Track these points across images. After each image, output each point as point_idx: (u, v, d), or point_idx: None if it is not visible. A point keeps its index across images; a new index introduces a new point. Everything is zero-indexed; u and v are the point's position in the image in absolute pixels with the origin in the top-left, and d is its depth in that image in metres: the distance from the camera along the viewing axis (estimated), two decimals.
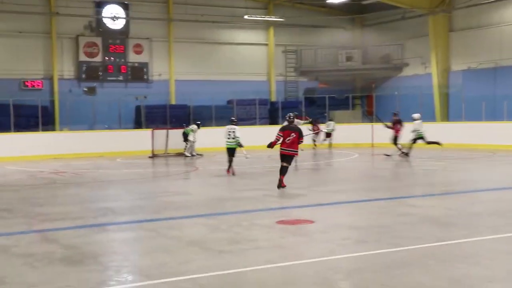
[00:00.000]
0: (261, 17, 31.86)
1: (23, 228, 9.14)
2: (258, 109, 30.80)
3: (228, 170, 16.54)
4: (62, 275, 6.37)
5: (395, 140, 21.97)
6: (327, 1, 31.23)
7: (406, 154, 21.19)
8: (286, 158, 12.96)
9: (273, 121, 30.77)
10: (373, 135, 26.70)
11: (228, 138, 16.43)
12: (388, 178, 16.37)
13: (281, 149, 13.00)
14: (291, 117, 13.38)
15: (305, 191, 13.02)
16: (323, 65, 34.23)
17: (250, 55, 33.28)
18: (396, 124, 22.21)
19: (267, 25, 33.26)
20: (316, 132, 25.71)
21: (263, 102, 31.82)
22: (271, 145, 13.06)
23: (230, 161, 16.46)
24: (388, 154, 21.73)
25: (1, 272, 6.50)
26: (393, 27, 32.72)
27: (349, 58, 33.91)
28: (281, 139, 12.86)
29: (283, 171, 12.83)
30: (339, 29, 34.84)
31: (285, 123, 13.58)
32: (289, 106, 32.00)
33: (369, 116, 31.24)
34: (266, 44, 33.65)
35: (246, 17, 30.80)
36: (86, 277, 6.28)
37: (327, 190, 13.26)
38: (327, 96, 31.30)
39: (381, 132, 22.96)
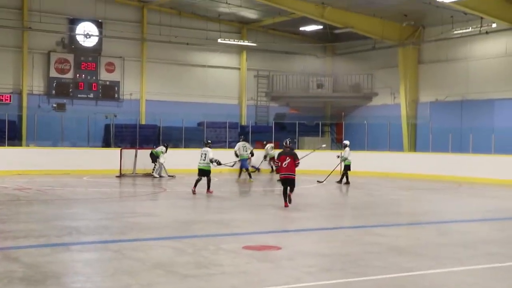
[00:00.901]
0: (234, 41, 32.03)
1: None
2: (228, 132, 30.78)
3: (194, 190, 17.00)
4: None
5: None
6: (299, 29, 31.62)
7: (340, 182, 22.13)
8: (287, 182, 13.95)
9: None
10: (341, 162, 26.89)
11: (201, 160, 17.05)
12: (355, 206, 16.45)
13: (280, 174, 14.18)
14: (288, 143, 14.60)
15: (273, 217, 13.00)
16: (294, 91, 34.50)
17: (222, 78, 33.38)
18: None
19: (240, 49, 33.46)
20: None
21: (233, 126, 31.83)
22: (277, 171, 14.23)
23: (198, 181, 17.10)
24: (321, 180, 22.14)
25: None
26: (364, 57, 33.23)
27: (319, 86, 34.27)
28: (279, 165, 14.03)
29: (285, 194, 13.97)
30: (311, 57, 35.22)
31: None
32: (260, 130, 32.12)
33: (338, 143, 31.48)
34: (239, 68, 33.81)
35: (219, 40, 30.93)
36: None
37: (294, 216, 13.26)
38: (297, 122, 31.49)
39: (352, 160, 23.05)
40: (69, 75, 29.24)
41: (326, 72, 35.08)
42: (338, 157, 22.22)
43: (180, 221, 12.00)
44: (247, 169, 23.54)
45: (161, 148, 24.16)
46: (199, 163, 17.12)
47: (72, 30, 29.23)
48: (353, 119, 32.66)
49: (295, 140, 30.94)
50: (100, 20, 29.71)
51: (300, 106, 35.10)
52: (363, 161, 26.31)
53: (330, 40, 34.08)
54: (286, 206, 13.97)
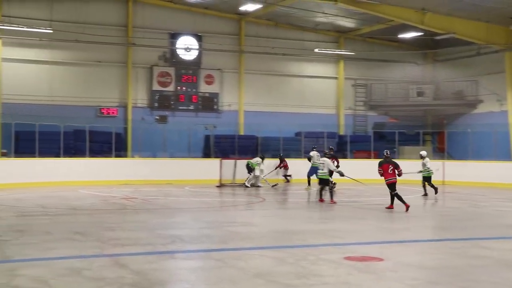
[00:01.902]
0: (332, 51, 31.93)
1: (95, 251, 9.37)
2: (326, 142, 30.61)
3: (320, 199, 17.69)
4: None
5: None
6: (398, 36, 31.00)
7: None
8: (393, 186, 15.61)
9: (341, 154, 30.48)
10: (444, 172, 26.03)
11: (321, 169, 17.85)
12: (459, 217, 15.81)
13: (386, 180, 15.65)
14: (388, 153, 16.25)
15: (372, 227, 12.78)
16: (393, 99, 33.85)
17: (319, 88, 33.32)
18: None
19: (337, 58, 33.29)
20: (281, 167, 26.81)
21: (331, 135, 31.62)
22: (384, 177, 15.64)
23: (321, 190, 17.86)
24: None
25: None
26: (467, 63, 32.04)
27: (420, 94, 33.42)
28: (383, 172, 15.61)
29: (397, 197, 15.54)
30: (410, 64, 34.45)
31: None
32: (358, 140, 31.73)
33: (440, 153, 30.53)
34: (336, 78, 33.61)
35: (316, 50, 30.95)
36: None
37: (395, 227, 12.96)
38: (396, 131, 30.83)
39: (451, 170, 22.35)
40: (171, 88, 30.30)
41: (427, 80, 34.13)
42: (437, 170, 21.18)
43: (279, 230, 12.04)
44: (309, 177, 23.50)
45: (256, 160, 24.43)
46: (319, 172, 18.01)
47: (173, 44, 30.29)
48: (456, 127, 31.55)
49: (394, 149, 30.29)
50: (199, 34, 30.60)
51: (399, 115, 34.34)
52: (466, 170, 25.32)
53: (431, 47, 33.18)
54: (407, 206, 15.38)
